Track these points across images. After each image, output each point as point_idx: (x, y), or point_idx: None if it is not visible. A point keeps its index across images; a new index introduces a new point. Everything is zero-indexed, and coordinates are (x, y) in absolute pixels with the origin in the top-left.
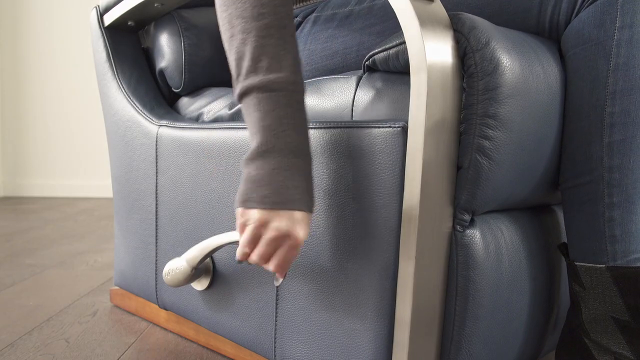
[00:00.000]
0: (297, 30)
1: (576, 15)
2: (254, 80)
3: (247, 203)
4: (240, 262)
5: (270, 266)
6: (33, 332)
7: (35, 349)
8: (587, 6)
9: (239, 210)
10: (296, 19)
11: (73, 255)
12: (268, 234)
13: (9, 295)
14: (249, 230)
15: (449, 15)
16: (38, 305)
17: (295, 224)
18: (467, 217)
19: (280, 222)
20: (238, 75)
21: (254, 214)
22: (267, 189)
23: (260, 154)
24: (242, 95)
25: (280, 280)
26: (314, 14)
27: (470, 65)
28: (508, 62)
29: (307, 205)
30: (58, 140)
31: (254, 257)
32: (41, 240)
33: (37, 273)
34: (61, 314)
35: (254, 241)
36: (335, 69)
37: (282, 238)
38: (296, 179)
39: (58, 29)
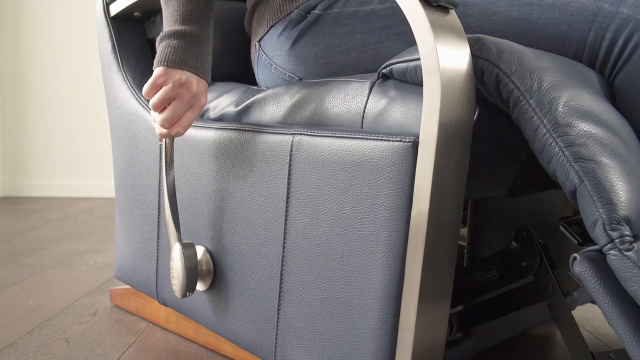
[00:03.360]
0: (315, 23)
1: (611, 54)
2: None
3: (169, 63)
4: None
5: (178, 129)
6: (33, 332)
7: (35, 349)
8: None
9: (162, 68)
10: (314, 11)
11: (73, 255)
12: (185, 96)
13: (9, 295)
14: (168, 89)
15: (469, 39)
16: (38, 305)
17: (202, 91)
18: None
19: (194, 86)
20: None
21: (175, 73)
22: (188, 57)
23: (182, 31)
24: None
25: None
26: (334, 10)
27: (512, 90)
28: (546, 67)
29: (209, 78)
30: (58, 140)
31: (170, 115)
32: (41, 240)
33: (37, 273)
34: (61, 314)
35: (166, 100)
36: (351, 64)
37: (194, 100)
38: (206, 56)
39: (58, 29)
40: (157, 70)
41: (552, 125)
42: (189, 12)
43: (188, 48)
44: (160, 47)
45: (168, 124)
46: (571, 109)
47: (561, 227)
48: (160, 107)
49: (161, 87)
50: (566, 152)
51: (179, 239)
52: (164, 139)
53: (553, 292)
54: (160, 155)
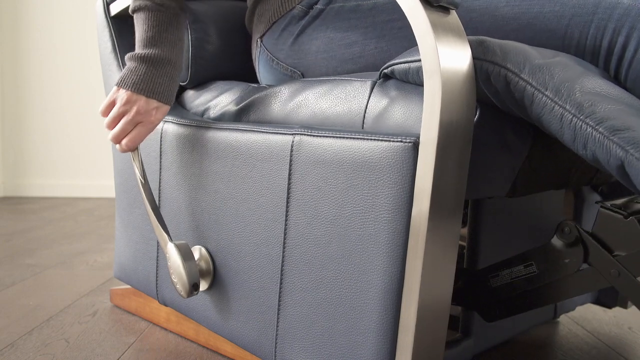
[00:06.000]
0: (318, 17)
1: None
2: (145, 1)
3: (121, 83)
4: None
5: (124, 144)
6: (33, 332)
7: (35, 349)
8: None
9: (115, 88)
10: (316, 6)
11: (73, 255)
12: (131, 112)
13: (9, 295)
14: (116, 107)
15: (471, 42)
16: (38, 305)
17: (152, 109)
18: None
19: (139, 104)
20: None
21: (122, 93)
22: (138, 79)
23: (141, 56)
24: (135, 10)
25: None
26: (337, 4)
27: (524, 88)
28: (553, 62)
29: (164, 98)
30: (58, 140)
31: (116, 132)
32: (41, 240)
33: (37, 273)
34: (61, 314)
35: (119, 117)
36: (352, 58)
37: (140, 116)
38: (163, 78)
39: (58, 29)
40: (112, 91)
41: (576, 108)
42: (150, 38)
43: (143, 71)
44: (123, 69)
45: (115, 139)
46: (589, 92)
47: (601, 209)
48: (112, 125)
49: (123, 115)
50: (600, 129)
51: (170, 239)
52: (130, 152)
53: (620, 275)
54: (161, 155)
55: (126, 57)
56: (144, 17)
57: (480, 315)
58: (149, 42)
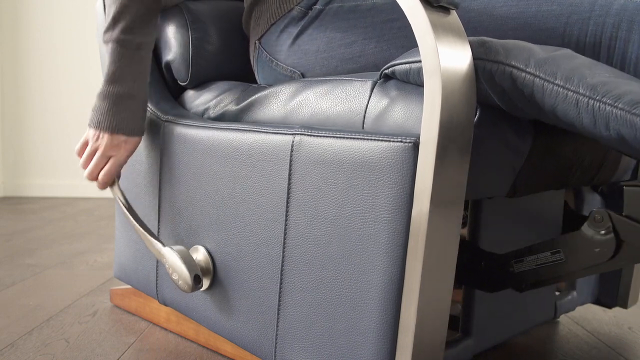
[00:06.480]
0: (317, 18)
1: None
2: (112, 35)
3: (90, 123)
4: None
5: (99, 179)
6: (33, 332)
7: (35, 349)
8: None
9: (88, 128)
10: (315, 6)
11: (73, 255)
12: (101, 148)
13: (9, 295)
14: (89, 146)
15: (473, 43)
16: (38, 305)
17: (121, 142)
18: None
19: (105, 140)
20: (106, 26)
21: (91, 132)
22: (102, 117)
23: (104, 94)
24: (104, 42)
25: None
26: (336, 5)
27: (533, 81)
28: (557, 55)
29: (130, 131)
30: (58, 140)
31: (89, 168)
32: (41, 240)
33: (37, 273)
34: (61, 314)
35: (91, 155)
36: (352, 57)
37: (110, 150)
38: (125, 113)
39: (58, 29)
40: (86, 132)
41: (590, 91)
42: (112, 74)
43: (106, 108)
44: (92, 107)
45: (90, 175)
46: (599, 74)
47: (626, 188)
48: (87, 163)
49: (95, 152)
50: (619, 105)
51: (163, 245)
52: (109, 187)
53: None
54: (161, 155)
55: (96, 95)
56: (109, 51)
57: (510, 287)
58: (111, 78)
